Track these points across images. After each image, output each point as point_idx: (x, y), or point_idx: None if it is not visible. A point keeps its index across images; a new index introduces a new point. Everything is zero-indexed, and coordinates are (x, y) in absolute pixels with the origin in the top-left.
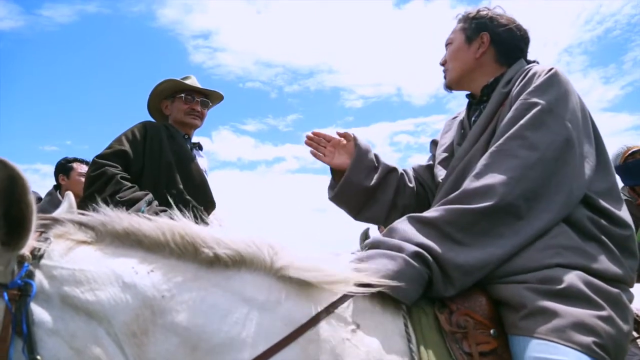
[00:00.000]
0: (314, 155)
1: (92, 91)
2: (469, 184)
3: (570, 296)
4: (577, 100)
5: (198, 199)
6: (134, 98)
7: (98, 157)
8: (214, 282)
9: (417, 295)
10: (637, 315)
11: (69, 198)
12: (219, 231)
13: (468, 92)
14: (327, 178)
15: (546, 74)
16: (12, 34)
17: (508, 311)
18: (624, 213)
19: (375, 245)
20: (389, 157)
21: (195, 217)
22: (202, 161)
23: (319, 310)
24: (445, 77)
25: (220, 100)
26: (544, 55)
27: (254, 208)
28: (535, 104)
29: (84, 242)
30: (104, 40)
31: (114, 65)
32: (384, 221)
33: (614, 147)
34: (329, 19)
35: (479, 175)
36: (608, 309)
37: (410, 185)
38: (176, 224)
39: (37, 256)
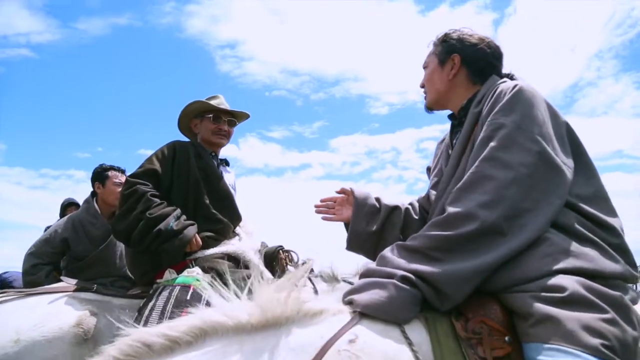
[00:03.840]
0: (325, 219)
1: (123, 100)
2: (451, 208)
3: (574, 302)
4: (545, 112)
5: (224, 213)
6: (163, 107)
7: (131, 176)
8: (178, 356)
9: (411, 314)
10: None
11: None
12: (165, 325)
13: (450, 113)
14: (352, 185)
15: (510, 92)
16: (50, 47)
17: (519, 320)
18: (612, 218)
19: (369, 274)
20: (416, 164)
21: (222, 232)
22: (228, 177)
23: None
24: (425, 99)
25: (246, 118)
26: (572, 60)
27: (281, 214)
28: (503, 125)
29: None
30: (134, 50)
31: (144, 74)
32: None
33: None
34: (354, 27)
35: (457, 200)
36: (611, 312)
37: (416, 217)
38: (115, 346)
39: None
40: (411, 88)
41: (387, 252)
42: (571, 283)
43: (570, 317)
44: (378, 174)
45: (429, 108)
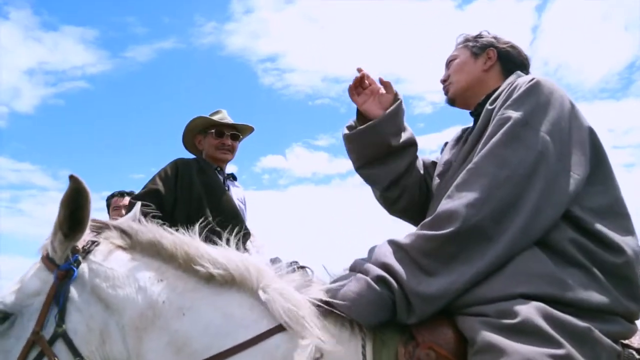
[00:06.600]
0: (349, 90)
1: (172, 121)
2: (440, 206)
3: (524, 331)
4: (563, 110)
5: (230, 230)
6: None
7: (133, 197)
8: (206, 295)
9: (375, 319)
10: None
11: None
12: (217, 251)
13: (471, 111)
14: None
15: (526, 85)
16: (102, 77)
17: (469, 345)
18: (624, 237)
19: (353, 266)
20: None
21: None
22: (237, 191)
23: (275, 325)
24: (446, 93)
25: (250, 132)
26: (626, 39)
27: (332, 219)
28: (509, 118)
29: (121, 247)
30: (180, 72)
31: (190, 94)
32: (381, 189)
33: None
34: (391, 28)
35: (449, 197)
36: (567, 347)
37: (421, 171)
38: (186, 241)
39: (86, 251)
40: None
41: (378, 246)
42: (527, 309)
43: (514, 349)
44: None
45: (452, 100)
